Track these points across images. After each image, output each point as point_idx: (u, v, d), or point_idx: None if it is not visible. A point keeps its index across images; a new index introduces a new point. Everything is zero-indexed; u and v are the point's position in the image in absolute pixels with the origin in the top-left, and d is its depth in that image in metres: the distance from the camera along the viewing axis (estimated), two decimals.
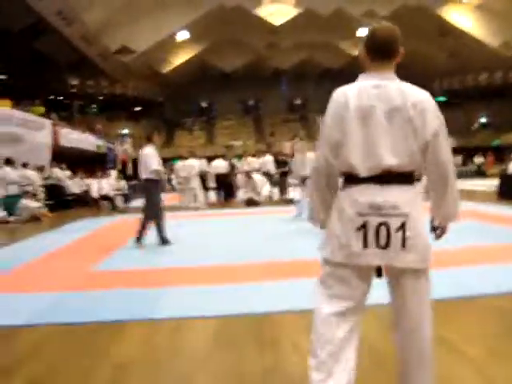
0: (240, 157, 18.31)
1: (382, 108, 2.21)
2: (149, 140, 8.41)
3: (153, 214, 7.97)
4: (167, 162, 30.96)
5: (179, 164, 15.41)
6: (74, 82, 34.43)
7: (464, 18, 33.87)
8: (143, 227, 7.98)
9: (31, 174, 14.16)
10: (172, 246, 7.91)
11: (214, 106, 43.17)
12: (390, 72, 2.31)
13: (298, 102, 44.25)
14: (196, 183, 14.82)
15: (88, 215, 14.11)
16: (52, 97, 33.33)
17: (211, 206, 15.42)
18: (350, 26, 34.36)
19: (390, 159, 2.19)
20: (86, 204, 16.19)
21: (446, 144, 2.26)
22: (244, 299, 4.60)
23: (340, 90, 2.34)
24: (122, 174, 26.84)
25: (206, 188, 16.18)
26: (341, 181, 2.34)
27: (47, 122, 19.12)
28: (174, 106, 40.73)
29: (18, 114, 17.06)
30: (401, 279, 2.30)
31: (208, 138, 39.92)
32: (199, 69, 38.28)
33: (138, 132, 38.15)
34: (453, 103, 41.43)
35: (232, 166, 17.01)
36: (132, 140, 34.31)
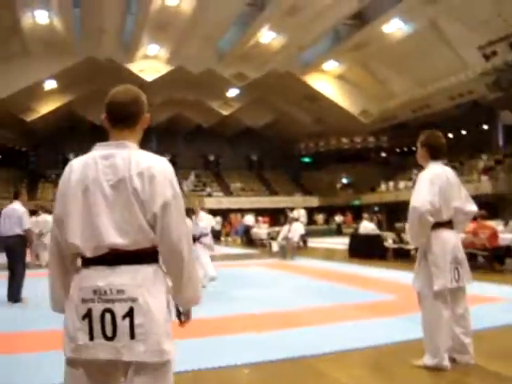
0: None
1: (108, 181, 2.03)
2: (16, 196, 8.31)
3: (23, 270, 7.82)
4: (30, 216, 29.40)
5: (31, 220, 14.61)
6: None
7: (328, 86, 35.99)
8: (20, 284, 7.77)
9: None
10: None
11: None
12: (130, 139, 2.16)
13: (168, 157, 44.00)
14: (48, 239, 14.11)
15: None
16: None
17: None
18: (221, 86, 35.25)
19: (115, 238, 1.99)
20: None
21: (178, 218, 2.05)
22: None
23: (70, 162, 2.16)
24: None
25: None
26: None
27: None
28: (39, 156, 39.02)
29: None
30: (135, 379, 2.00)
31: None
32: (67, 120, 37.17)
33: None
34: (318, 164, 43.51)
35: None
36: None
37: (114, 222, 2.00)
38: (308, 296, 8.52)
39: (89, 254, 2.02)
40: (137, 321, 1.95)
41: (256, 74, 33.74)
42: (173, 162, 43.24)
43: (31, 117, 35.00)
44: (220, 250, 18.42)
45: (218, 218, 22.60)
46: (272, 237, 19.75)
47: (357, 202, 39.21)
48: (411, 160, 39.06)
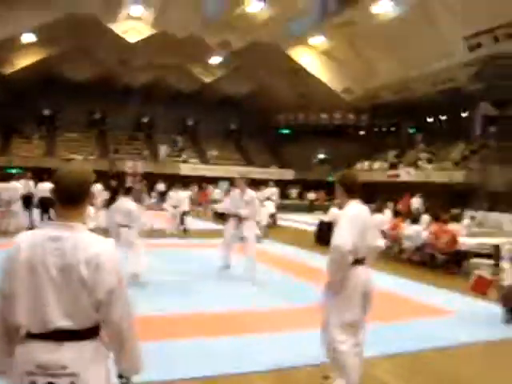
0: None
1: (55, 264, 2.11)
2: None
3: None
4: (1, 169, 28.94)
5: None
6: None
7: (312, 61, 35.81)
8: None
9: None
10: None
11: (58, 115, 41.08)
12: (76, 218, 2.23)
13: (146, 120, 43.66)
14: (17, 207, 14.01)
15: None
16: None
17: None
18: (204, 53, 34.82)
19: (61, 321, 2.09)
20: None
21: (121, 301, 2.19)
22: None
23: (16, 240, 2.21)
24: None
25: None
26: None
27: None
28: (14, 110, 38.18)
29: None
30: None
31: (48, 148, 37.87)
32: (45, 75, 36.29)
33: None
34: (296, 137, 43.41)
35: None
36: None
37: (61, 305, 2.10)
38: (267, 294, 8.56)
39: (34, 331, 2.11)
40: None
41: (240, 44, 33.39)
42: (151, 124, 42.94)
43: (8, 70, 34.20)
44: (192, 223, 18.41)
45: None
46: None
47: (331, 179, 39.34)
48: (389, 141, 39.43)
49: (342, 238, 4.19)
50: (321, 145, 42.48)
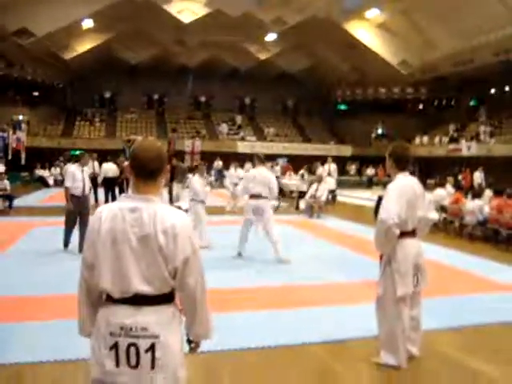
0: None
1: (135, 233, 2.25)
2: (78, 160, 9.65)
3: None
4: (65, 151, 29.96)
5: None
6: None
7: (368, 35, 35.12)
8: None
9: None
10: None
11: (118, 97, 42.09)
12: (153, 191, 2.36)
13: (203, 99, 44.09)
14: None
15: None
16: None
17: None
18: (259, 30, 34.68)
19: (141, 286, 2.25)
20: None
21: (196, 269, 2.32)
22: None
23: (97, 212, 2.38)
24: (13, 164, 25.70)
25: None
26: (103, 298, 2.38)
27: None
28: (76, 94, 39.36)
29: None
30: None
31: (109, 130, 38.89)
32: (104, 59, 37.19)
33: (35, 119, 36.57)
34: (354, 112, 42.89)
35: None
36: (27, 127, 32.85)
37: (140, 271, 2.26)
38: (327, 267, 8.59)
39: (116, 296, 2.30)
40: (157, 354, 2.25)
41: (295, 19, 33.04)
42: (208, 103, 43.24)
43: (69, 55, 35.17)
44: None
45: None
46: (301, 191, 19.68)
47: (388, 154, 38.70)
48: (449, 114, 38.37)
49: (387, 211, 4.21)
50: (379, 119, 41.87)
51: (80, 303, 2.45)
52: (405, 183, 4.38)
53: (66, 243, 9.26)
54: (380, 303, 4.50)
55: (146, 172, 2.35)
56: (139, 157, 2.36)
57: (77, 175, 9.18)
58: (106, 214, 2.32)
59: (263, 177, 8.95)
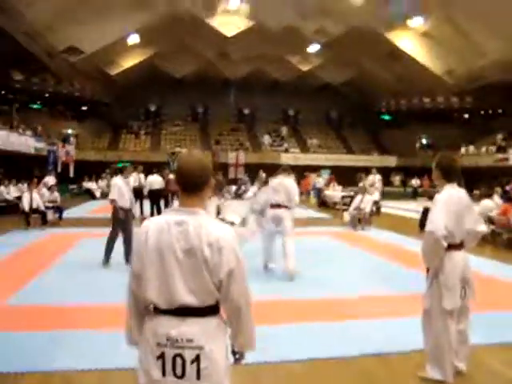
0: None
1: (180, 246, 2.30)
2: (121, 171, 9.80)
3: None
4: (111, 164, 30.58)
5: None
6: (18, 77, 33.46)
7: (411, 44, 34.76)
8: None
9: None
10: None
11: (162, 110, 42.85)
12: (198, 204, 2.41)
13: (247, 111, 44.39)
14: None
15: (14, 228, 13.86)
16: None
17: None
18: (301, 42, 34.78)
19: (187, 298, 2.29)
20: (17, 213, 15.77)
21: (240, 280, 2.35)
22: None
23: (144, 225, 2.44)
24: (62, 176, 26.34)
25: None
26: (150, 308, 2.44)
27: None
28: (121, 108, 40.19)
29: None
30: None
31: (154, 142, 39.57)
32: (149, 73, 37.96)
33: (83, 132, 37.51)
34: (398, 123, 42.44)
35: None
36: (76, 141, 33.73)
37: (186, 284, 2.30)
38: (372, 280, 8.50)
39: (163, 307, 2.36)
40: (203, 365, 2.29)
41: (337, 30, 33.06)
42: (252, 115, 43.49)
43: (115, 70, 36.04)
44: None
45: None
46: (345, 203, 19.57)
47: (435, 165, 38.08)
48: (496, 123, 37.47)
49: (434, 223, 4.16)
50: (423, 130, 41.30)
51: (128, 313, 2.52)
52: (452, 194, 4.33)
53: (107, 259, 9.15)
54: (426, 316, 4.44)
55: (190, 185, 2.40)
56: (183, 170, 2.41)
57: (122, 188, 9.36)
58: (153, 227, 2.38)
59: (284, 186, 8.91)
